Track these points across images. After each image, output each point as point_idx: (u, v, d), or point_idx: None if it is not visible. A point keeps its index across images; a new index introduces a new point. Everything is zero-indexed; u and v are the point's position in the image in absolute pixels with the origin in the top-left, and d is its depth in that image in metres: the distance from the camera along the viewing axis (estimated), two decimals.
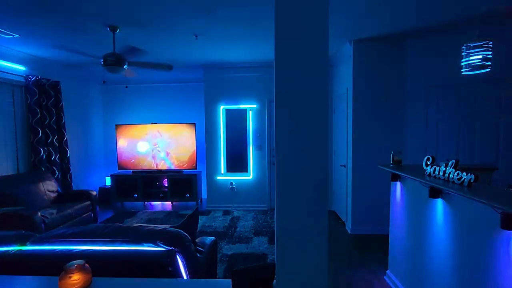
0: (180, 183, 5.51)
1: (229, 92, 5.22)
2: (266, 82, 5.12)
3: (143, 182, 5.55)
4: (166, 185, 5.55)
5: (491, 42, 2.17)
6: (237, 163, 5.33)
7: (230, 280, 1.05)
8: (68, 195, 4.34)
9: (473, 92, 3.47)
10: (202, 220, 4.67)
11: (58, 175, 4.61)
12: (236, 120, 5.28)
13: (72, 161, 5.01)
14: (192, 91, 5.95)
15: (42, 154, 4.36)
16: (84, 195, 4.34)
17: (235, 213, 5.02)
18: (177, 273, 1.41)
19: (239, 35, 3.56)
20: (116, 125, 5.73)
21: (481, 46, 2.16)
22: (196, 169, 5.61)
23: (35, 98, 4.25)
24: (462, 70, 2.34)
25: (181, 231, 1.62)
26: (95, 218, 4.44)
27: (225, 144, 5.31)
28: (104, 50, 3.39)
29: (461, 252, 1.72)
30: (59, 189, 4.32)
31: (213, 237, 2.25)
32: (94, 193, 4.45)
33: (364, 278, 2.81)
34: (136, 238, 1.49)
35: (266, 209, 5.25)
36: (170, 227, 1.68)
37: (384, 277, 2.81)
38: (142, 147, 5.69)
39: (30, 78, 4.23)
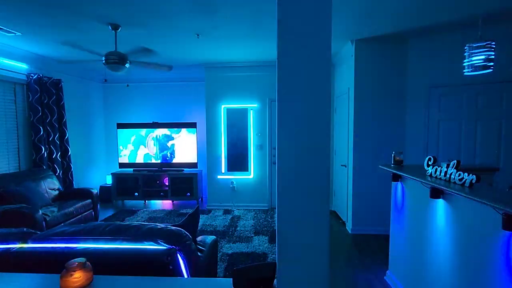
0: (180, 182, 5.51)
1: (230, 91, 5.22)
2: (267, 82, 5.12)
3: (144, 181, 5.55)
4: (167, 184, 5.56)
5: (494, 43, 2.16)
6: (238, 162, 5.33)
7: (231, 279, 1.05)
8: (69, 193, 4.35)
9: (475, 92, 3.46)
10: (202, 219, 4.67)
11: (59, 173, 4.62)
12: (237, 119, 5.28)
13: (73, 159, 5.02)
14: (193, 90, 5.95)
15: (44, 152, 4.37)
16: (85, 193, 4.35)
17: (236, 212, 5.02)
18: (177, 272, 1.41)
19: (240, 34, 3.55)
20: (117, 124, 5.74)
21: (484, 47, 2.15)
22: (197, 168, 5.61)
23: (36, 96, 4.26)
24: (464, 71, 2.33)
25: (182, 229, 1.62)
26: (96, 216, 4.45)
27: (226, 143, 5.31)
28: (106, 48, 3.40)
29: (462, 253, 1.71)
30: (60, 187, 4.33)
31: (214, 236, 2.25)
32: (95, 191, 4.46)
33: (365, 278, 2.81)
34: (137, 237, 1.49)
35: (267, 209, 5.26)
36: (171, 225, 1.69)
37: (385, 277, 2.81)
38: (143, 145, 5.69)
39: (31, 76, 4.23)
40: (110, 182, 5.69)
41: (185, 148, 5.60)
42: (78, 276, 1.02)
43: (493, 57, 2.17)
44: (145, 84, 5.99)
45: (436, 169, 1.97)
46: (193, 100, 5.96)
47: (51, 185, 4.17)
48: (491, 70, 2.21)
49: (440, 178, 1.91)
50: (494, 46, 2.16)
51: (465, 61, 2.29)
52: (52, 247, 1.45)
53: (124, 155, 5.71)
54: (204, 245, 1.99)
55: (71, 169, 4.88)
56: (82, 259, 1.06)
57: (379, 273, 2.88)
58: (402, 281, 2.51)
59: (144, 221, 4.58)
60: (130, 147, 5.70)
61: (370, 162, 3.88)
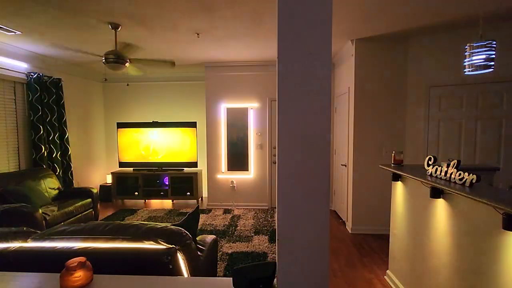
0: (181, 181, 5.51)
1: (230, 91, 5.22)
2: (267, 81, 5.12)
3: (144, 180, 5.55)
4: (167, 183, 5.56)
5: (494, 42, 2.15)
6: (237, 161, 5.33)
7: (231, 278, 1.05)
8: (69, 192, 4.35)
9: (476, 92, 3.45)
10: (202, 218, 4.67)
11: (59, 172, 4.62)
12: (237, 119, 5.28)
13: (73, 158, 5.02)
14: (193, 90, 5.95)
15: (44, 151, 4.36)
16: (85, 192, 4.35)
17: (236, 212, 5.02)
18: (177, 271, 1.42)
19: (240, 33, 3.55)
20: (117, 123, 5.73)
21: (485, 46, 2.14)
22: (197, 167, 5.61)
23: (36, 95, 4.26)
24: (465, 70, 2.32)
25: (182, 229, 1.62)
26: (96, 215, 4.45)
27: (226, 143, 5.31)
28: (105, 47, 3.39)
29: (462, 253, 1.71)
30: (60, 186, 4.33)
31: (214, 236, 2.25)
32: (95, 190, 4.46)
33: (364, 278, 2.81)
34: (137, 236, 1.49)
35: (267, 208, 5.26)
36: (170, 225, 1.68)
37: (384, 276, 2.81)
38: (143, 145, 5.69)
39: (31, 75, 4.23)
40: (110, 181, 5.69)
41: (185, 147, 5.60)
42: (78, 276, 1.02)
43: (493, 56, 2.17)
44: (145, 83, 5.98)
45: (436, 169, 1.97)
46: (193, 99, 5.96)
47: (51, 185, 4.17)
48: (492, 69, 2.21)
49: (440, 178, 1.91)
50: (494, 46, 2.15)
51: (465, 60, 2.28)
52: (52, 246, 1.45)
53: (126, 158, 5.71)
54: (204, 245, 1.99)
55: (71, 168, 4.88)
56: (82, 259, 1.06)
57: (379, 273, 2.89)
58: (402, 281, 2.51)
59: (144, 221, 4.58)
60: (133, 147, 5.70)
61: (370, 161, 3.88)
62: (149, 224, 1.61)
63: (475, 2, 2.67)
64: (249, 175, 5.33)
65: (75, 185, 5.01)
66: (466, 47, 2.28)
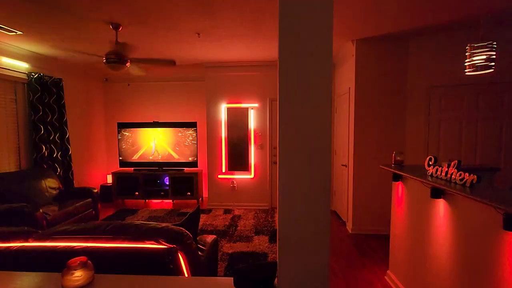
0: (181, 181, 5.52)
1: (230, 91, 5.22)
2: (267, 81, 5.12)
3: (144, 180, 5.56)
4: (167, 183, 5.56)
5: (495, 43, 2.16)
6: (238, 162, 5.33)
7: (232, 278, 1.05)
8: (70, 192, 4.35)
9: (476, 92, 3.45)
10: (203, 218, 4.68)
11: (60, 172, 4.62)
12: (237, 119, 5.28)
13: (73, 158, 5.03)
14: (193, 90, 5.95)
15: (44, 151, 4.37)
16: (85, 192, 4.35)
17: (236, 212, 5.02)
18: (178, 271, 1.42)
19: (241, 33, 3.55)
20: (118, 123, 5.74)
21: (485, 47, 2.15)
22: (197, 167, 5.62)
23: (37, 95, 4.27)
24: (465, 71, 2.33)
25: (183, 229, 1.63)
26: (97, 215, 4.45)
27: (227, 143, 5.32)
28: (106, 47, 3.40)
29: (462, 253, 1.71)
30: (60, 186, 4.33)
31: (214, 236, 2.25)
32: (96, 190, 4.46)
33: (365, 278, 2.81)
34: (137, 236, 1.50)
35: (267, 208, 5.26)
36: (171, 225, 1.69)
37: (385, 277, 2.81)
38: (144, 145, 5.70)
39: (32, 75, 4.24)
40: (111, 181, 5.70)
41: (186, 147, 5.60)
42: (79, 275, 1.03)
43: (494, 57, 2.17)
44: (145, 83, 5.98)
45: (437, 169, 1.97)
46: (193, 99, 5.96)
47: (51, 184, 4.17)
48: (492, 70, 2.21)
49: (441, 178, 1.91)
50: (495, 46, 2.15)
51: (466, 61, 2.29)
52: (53, 246, 1.46)
53: (121, 158, 5.71)
54: (205, 245, 1.99)
55: (71, 168, 4.88)
56: (83, 258, 1.06)
57: (379, 273, 2.89)
58: (402, 281, 2.52)
59: (144, 221, 4.58)
60: (137, 147, 5.71)
61: (370, 162, 3.88)
62: (150, 224, 1.62)
63: (475, 2, 2.67)
64: (250, 175, 5.33)
65: (76, 185, 5.01)
66: (466, 47, 2.28)
